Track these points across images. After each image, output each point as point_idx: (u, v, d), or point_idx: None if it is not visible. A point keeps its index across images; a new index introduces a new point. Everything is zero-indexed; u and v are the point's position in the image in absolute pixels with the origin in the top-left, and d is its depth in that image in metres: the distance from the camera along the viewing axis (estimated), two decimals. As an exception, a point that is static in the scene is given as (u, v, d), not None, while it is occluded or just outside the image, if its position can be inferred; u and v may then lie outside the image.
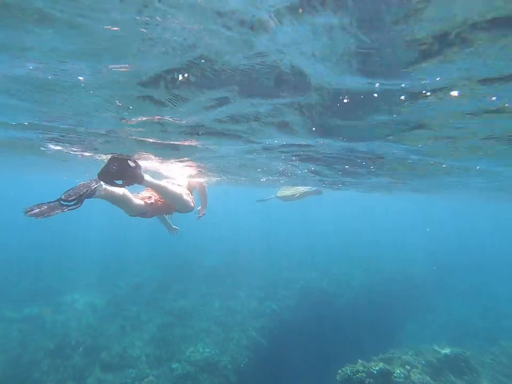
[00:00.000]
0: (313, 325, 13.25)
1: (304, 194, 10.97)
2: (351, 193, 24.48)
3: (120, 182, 3.57)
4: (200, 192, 5.89)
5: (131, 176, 3.60)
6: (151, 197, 4.35)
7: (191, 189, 5.68)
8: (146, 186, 3.97)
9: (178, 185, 5.69)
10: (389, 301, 16.42)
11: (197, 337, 10.87)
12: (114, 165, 3.52)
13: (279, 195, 11.38)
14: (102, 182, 3.51)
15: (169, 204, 4.39)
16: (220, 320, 12.28)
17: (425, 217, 49.78)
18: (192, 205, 4.56)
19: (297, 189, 11.29)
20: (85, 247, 20.70)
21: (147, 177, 3.80)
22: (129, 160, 3.67)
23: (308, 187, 11.23)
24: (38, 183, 26.48)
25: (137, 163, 3.75)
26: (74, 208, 3.19)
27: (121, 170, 3.53)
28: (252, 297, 14.38)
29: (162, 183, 4.12)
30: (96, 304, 11.41)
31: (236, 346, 10.74)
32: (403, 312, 17.02)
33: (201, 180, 6.42)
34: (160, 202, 4.34)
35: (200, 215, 5.73)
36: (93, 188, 3.35)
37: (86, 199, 3.34)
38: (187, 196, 4.57)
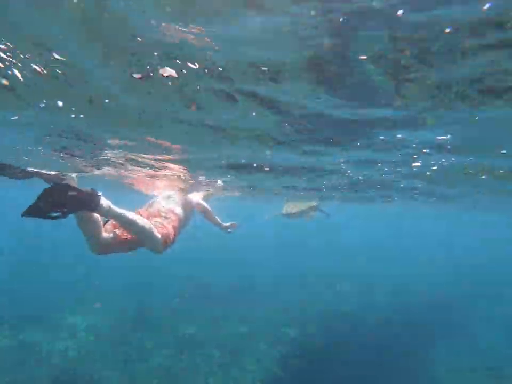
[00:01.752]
0: (335, 354, 11.87)
1: (310, 211, 10.06)
2: (371, 206, 23.24)
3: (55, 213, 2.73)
4: (204, 214, 5.29)
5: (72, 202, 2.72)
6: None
7: (187, 208, 4.93)
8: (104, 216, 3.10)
9: (172, 200, 4.93)
10: (417, 325, 14.88)
11: (208, 368, 9.68)
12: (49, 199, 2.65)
13: (284, 212, 10.46)
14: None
15: (134, 240, 3.53)
16: (233, 348, 11.06)
17: (452, 232, 47.33)
18: (164, 241, 3.59)
19: (303, 204, 10.35)
20: (95, 265, 19.76)
21: (104, 202, 2.90)
22: (64, 186, 2.77)
23: (313, 203, 10.31)
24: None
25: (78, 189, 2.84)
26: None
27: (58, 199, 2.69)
28: (267, 322, 13.13)
29: (128, 213, 3.20)
30: (99, 330, 10.40)
31: (251, 381, 9.49)
32: (434, 336, 15.41)
33: (196, 198, 5.48)
34: (123, 237, 3.52)
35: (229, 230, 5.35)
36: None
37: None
38: (162, 229, 3.70)
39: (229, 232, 5.30)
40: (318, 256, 28.96)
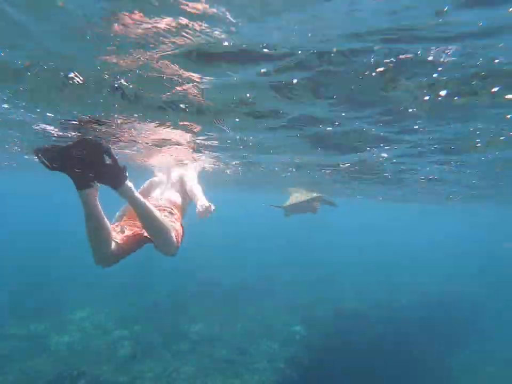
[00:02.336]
0: (347, 354, 11.45)
1: (316, 201, 9.16)
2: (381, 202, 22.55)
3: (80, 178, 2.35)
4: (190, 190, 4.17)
5: (108, 172, 2.34)
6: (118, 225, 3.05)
7: (186, 196, 4.13)
8: (122, 197, 2.55)
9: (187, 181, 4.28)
10: (437, 327, 14.30)
11: (217, 368, 9.42)
12: (80, 150, 2.26)
13: (287, 204, 9.55)
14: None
15: (142, 237, 2.98)
16: (242, 348, 10.78)
17: (470, 227, 45.72)
18: (177, 244, 2.97)
19: (308, 194, 9.50)
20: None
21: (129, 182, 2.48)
22: (104, 147, 2.32)
23: (315, 194, 9.48)
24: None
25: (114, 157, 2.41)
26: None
27: (91, 160, 2.28)
28: (278, 321, 12.80)
29: (148, 203, 2.65)
30: (106, 325, 10.27)
31: (260, 381, 9.19)
32: (455, 340, 14.78)
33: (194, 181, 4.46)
34: (133, 235, 2.98)
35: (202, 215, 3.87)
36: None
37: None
38: (178, 226, 3.17)
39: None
40: (328, 253, 28.43)
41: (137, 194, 2.56)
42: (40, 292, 12.68)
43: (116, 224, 3.14)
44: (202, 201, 3.81)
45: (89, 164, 2.31)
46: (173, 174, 4.58)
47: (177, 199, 3.89)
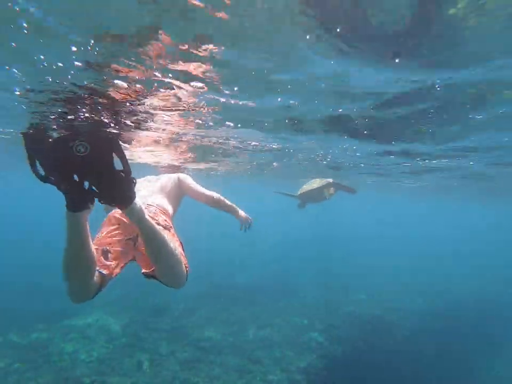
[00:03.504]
0: (368, 363, 10.67)
1: (332, 187, 8.36)
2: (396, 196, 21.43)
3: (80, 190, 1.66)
4: (213, 201, 3.62)
5: (118, 182, 1.65)
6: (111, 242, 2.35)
7: (177, 201, 3.46)
8: (127, 216, 1.93)
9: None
10: (458, 334, 13.35)
11: (227, 379, 8.78)
12: (82, 143, 1.51)
13: (301, 192, 8.78)
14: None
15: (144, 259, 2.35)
16: (255, 356, 10.11)
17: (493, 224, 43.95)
18: (186, 272, 2.36)
19: (322, 180, 8.68)
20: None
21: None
22: (116, 144, 1.64)
23: (329, 179, 8.67)
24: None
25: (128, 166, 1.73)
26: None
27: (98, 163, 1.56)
28: (293, 326, 12.08)
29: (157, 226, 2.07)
30: (111, 331, 9.71)
31: (275, 394, 8.50)
32: (476, 349, 13.80)
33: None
34: (123, 264, 2.39)
35: (244, 224, 3.88)
36: None
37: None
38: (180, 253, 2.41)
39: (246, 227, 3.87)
40: (345, 251, 27.49)
41: (147, 216, 1.95)
42: (44, 295, 12.27)
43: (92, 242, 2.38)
44: (242, 213, 3.83)
45: (91, 170, 1.56)
46: (166, 175, 3.69)
47: (168, 207, 3.13)
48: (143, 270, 2.32)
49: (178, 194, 3.52)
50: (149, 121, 4.92)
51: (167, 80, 3.25)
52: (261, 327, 12.03)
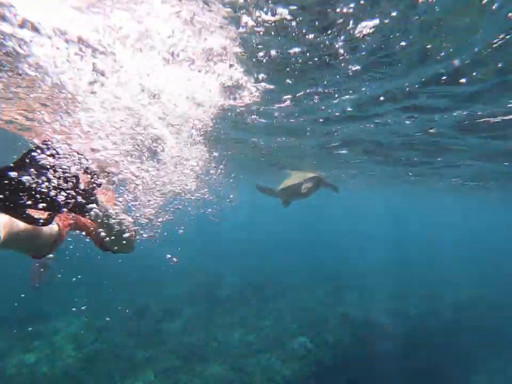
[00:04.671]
0: (358, 369, 10.03)
1: (313, 182, 7.53)
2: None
3: None
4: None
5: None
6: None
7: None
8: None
9: None
10: (456, 338, 12.75)
11: (207, 390, 8.09)
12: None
13: (282, 187, 7.90)
14: None
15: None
16: (239, 364, 9.41)
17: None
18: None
19: (305, 174, 7.96)
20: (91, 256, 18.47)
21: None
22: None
23: (311, 173, 7.87)
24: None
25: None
26: None
27: None
28: (281, 329, 11.38)
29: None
30: (82, 338, 8.96)
31: (258, 407, 7.82)
32: (478, 355, 13.22)
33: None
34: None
35: None
36: None
37: None
38: None
39: None
40: (336, 247, 26.85)
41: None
42: (7, 301, 11.42)
43: None
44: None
45: None
46: None
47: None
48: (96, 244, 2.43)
49: None
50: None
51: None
52: (248, 330, 11.35)
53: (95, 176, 1.82)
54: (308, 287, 15.87)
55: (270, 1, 2.48)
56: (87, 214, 1.85)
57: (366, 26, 2.75)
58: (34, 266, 5.37)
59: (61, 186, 1.65)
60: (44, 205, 1.59)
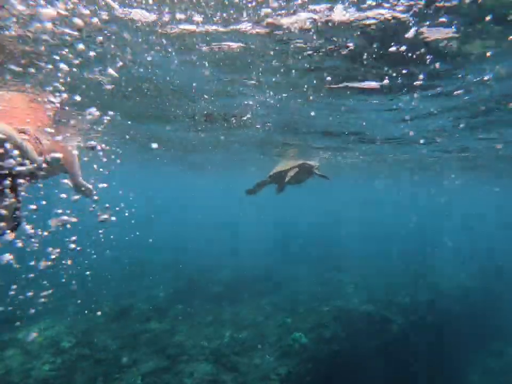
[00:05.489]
0: (356, 365, 9.70)
1: (299, 169, 7.36)
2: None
3: None
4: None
5: None
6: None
7: None
8: None
9: None
10: (450, 328, 12.57)
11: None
12: None
13: (270, 173, 7.75)
14: None
15: None
16: (231, 362, 8.95)
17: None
18: None
19: (294, 162, 7.83)
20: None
21: None
22: None
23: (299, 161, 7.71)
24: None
25: None
26: None
27: None
28: (275, 325, 10.95)
29: None
30: (61, 342, 8.33)
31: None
32: (469, 341, 13.12)
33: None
34: None
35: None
36: None
37: None
38: None
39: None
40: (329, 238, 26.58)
41: None
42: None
43: None
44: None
45: None
46: None
47: None
48: None
49: None
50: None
51: None
52: (241, 327, 10.88)
53: None
54: (300, 280, 15.49)
55: None
56: None
57: None
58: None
59: None
60: None
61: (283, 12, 3.06)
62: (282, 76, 4.60)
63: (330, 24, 3.24)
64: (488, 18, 2.98)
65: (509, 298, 16.26)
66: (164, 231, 27.57)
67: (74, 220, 3.46)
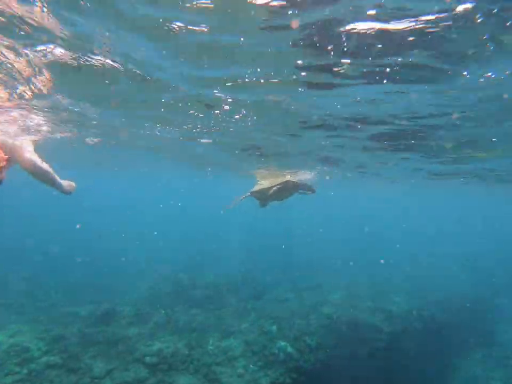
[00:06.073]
0: (343, 375, 9.42)
1: (286, 187, 7.13)
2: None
3: None
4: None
5: None
6: None
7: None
8: None
9: None
10: (441, 334, 12.48)
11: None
12: None
13: (255, 189, 7.48)
14: None
15: None
16: (213, 373, 8.53)
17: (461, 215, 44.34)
18: None
19: (277, 179, 7.51)
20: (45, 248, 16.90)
21: None
22: None
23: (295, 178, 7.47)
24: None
25: None
26: None
27: None
28: (260, 333, 10.56)
29: None
30: (29, 349, 7.76)
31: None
32: (460, 348, 13.06)
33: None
34: None
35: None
36: None
37: None
38: None
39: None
40: (319, 243, 26.39)
41: None
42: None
43: None
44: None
45: None
46: None
47: None
48: None
49: None
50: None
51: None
52: (225, 334, 10.46)
53: None
54: (289, 285, 15.18)
55: None
56: None
57: None
58: None
59: None
60: None
61: None
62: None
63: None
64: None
65: (494, 303, 16.38)
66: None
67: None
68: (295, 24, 3.14)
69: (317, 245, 28.14)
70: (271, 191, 6.99)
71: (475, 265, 22.05)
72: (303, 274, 17.53)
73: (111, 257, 17.92)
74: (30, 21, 3.27)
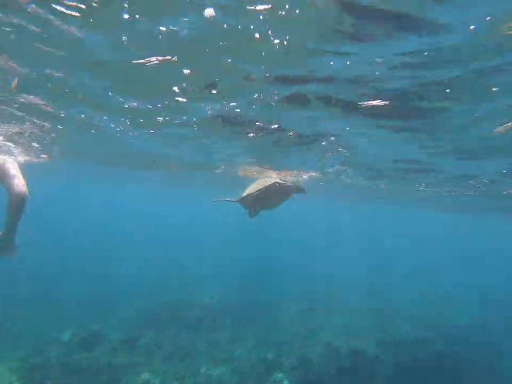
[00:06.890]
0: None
1: (272, 191, 6.20)
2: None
3: None
4: None
5: None
6: None
7: None
8: None
9: None
10: (454, 370, 11.69)
11: None
12: None
13: (243, 195, 6.54)
14: None
15: None
16: (203, 408, 7.86)
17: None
18: None
19: (266, 181, 6.44)
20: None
21: None
22: None
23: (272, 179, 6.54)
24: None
25: None
26: None
27: None
28: (255, 361, 9.89)
29: None
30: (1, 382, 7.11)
31: None
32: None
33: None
34: None
35: None
36: None
37: None
38: None
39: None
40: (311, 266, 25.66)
41: None
42: None
43: None
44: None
45: None
46: None
47: None
48: None
49: None
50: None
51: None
52: (217, 362, 9.78)
53: None
54: (286, 308, 14.50)
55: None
56: None
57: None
58: None
59: None
60: None
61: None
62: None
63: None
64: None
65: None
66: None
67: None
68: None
69: (322, 262, 27.45)
70: (253, 197, 6.14)
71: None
72: (303, 292, 16.86)
73: (98, 273, 17.26)
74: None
